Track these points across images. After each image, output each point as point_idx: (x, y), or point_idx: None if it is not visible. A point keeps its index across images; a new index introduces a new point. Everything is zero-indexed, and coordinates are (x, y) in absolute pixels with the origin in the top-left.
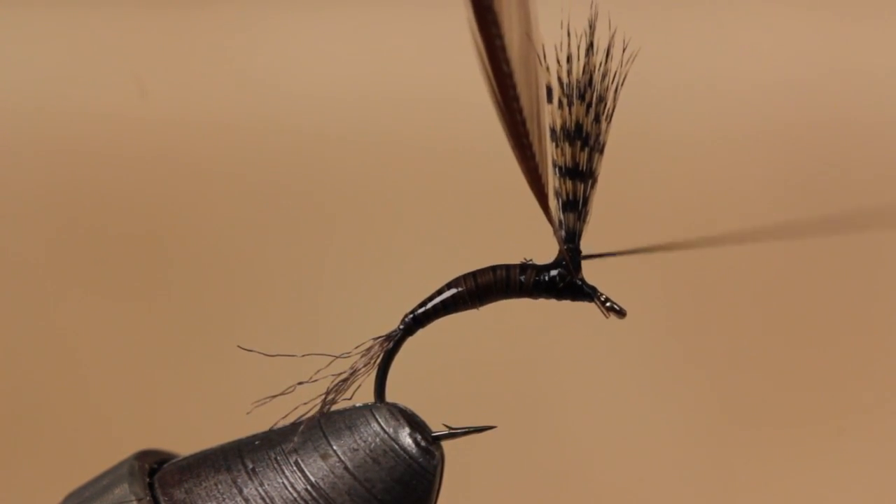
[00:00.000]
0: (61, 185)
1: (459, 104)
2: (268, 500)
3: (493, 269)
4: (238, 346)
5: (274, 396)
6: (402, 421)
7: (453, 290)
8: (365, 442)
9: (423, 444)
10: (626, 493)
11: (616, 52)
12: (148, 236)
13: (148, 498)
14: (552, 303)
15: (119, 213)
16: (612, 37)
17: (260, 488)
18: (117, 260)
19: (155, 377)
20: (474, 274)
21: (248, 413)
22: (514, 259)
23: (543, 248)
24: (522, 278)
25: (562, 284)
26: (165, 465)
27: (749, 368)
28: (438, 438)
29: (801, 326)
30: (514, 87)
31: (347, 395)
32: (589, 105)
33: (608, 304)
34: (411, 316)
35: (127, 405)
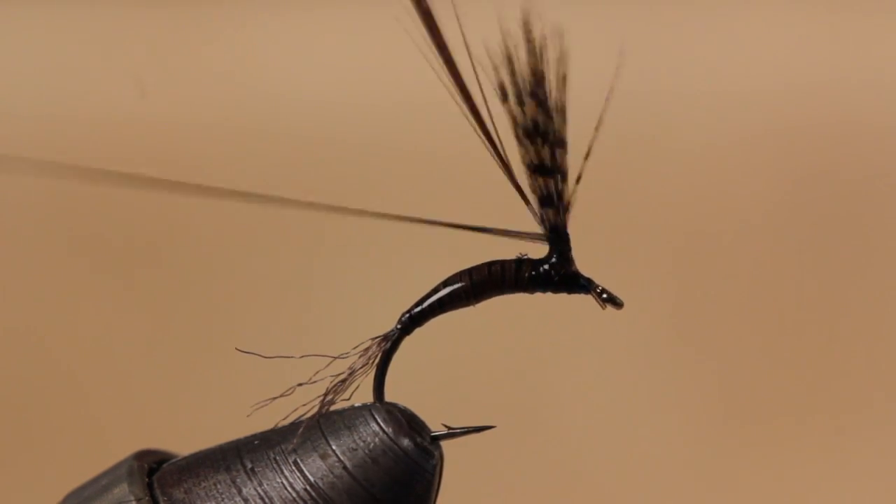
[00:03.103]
0: (57, 187)
1: (455, 105)
2: (267, 500)
3: (489, 264)
4: (236, 349)
5: (274, 398)
6: (400, 421)
7: (449, 288)
8: (364, 442)
9: (422, 443)
10: (626, 491)
11: (551, 45)
12: (145, 237)
13: (147, 498)
14: (550, 300)
15: (115, 214)
16: (544, 30)
17: (259, 488)
18: (115, 261)
19: (153, 378)
20: (470, 271)
21: (248, 416)
22: (510, 255)
23: (539, 245)
24: (518, 273)
25: (557, 278)
26: (164, 465)
27: (750, 366)
28: (437, 438)
29: (802, 323)
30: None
31: (346, 395)
32: (539, 101)
33: (604, 295)
34: (408, 315)
35: (126, 406)
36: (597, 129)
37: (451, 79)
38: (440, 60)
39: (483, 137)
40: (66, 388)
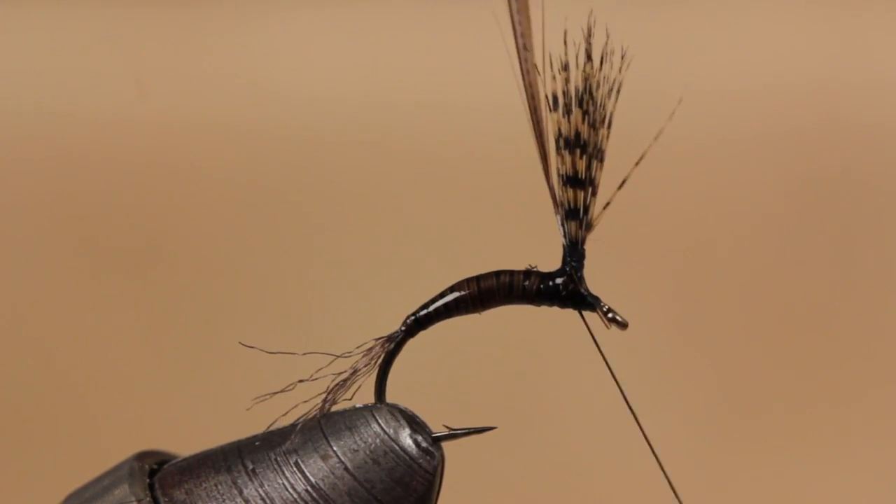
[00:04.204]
0: (57, 186)
1: (465, 107)
2: (268, 501)
3: (497, 274)
4: (239, 343)
5: (274, 393)
6: (402, 422)
7: (456, 294)
8: (365, 443)
9: (423, 444)
10: (626, 492)
11: (613, 59)
12: (148, 237)
13: (148, 499)
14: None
15: (117, 213)
16: (608, 44)
17: (260, 489)
18: (117, 260)
19: (154, 378)
20: (478, 278)
21: (247, 409)
22: (519, 265)
23: (548, 256)
24: (526, 284)
25: (565, 293)
26: (165, 466)
27: (751, 368)
28: (439, 439)
29: (803, 326)
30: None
31: (348, 395)
32: (586, 112)
33: (610, 314)
34: (413, 318)
35: (127, 405)
36: (636, 163)
37: (523, 77)
38: (519, 59)
39: (536, 140)
40: (67, 388)
